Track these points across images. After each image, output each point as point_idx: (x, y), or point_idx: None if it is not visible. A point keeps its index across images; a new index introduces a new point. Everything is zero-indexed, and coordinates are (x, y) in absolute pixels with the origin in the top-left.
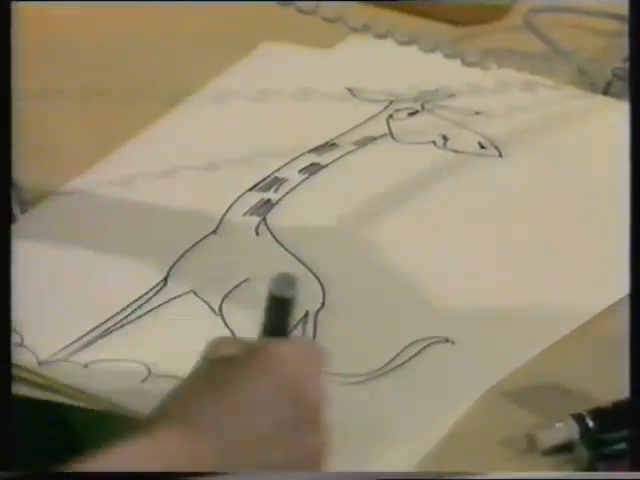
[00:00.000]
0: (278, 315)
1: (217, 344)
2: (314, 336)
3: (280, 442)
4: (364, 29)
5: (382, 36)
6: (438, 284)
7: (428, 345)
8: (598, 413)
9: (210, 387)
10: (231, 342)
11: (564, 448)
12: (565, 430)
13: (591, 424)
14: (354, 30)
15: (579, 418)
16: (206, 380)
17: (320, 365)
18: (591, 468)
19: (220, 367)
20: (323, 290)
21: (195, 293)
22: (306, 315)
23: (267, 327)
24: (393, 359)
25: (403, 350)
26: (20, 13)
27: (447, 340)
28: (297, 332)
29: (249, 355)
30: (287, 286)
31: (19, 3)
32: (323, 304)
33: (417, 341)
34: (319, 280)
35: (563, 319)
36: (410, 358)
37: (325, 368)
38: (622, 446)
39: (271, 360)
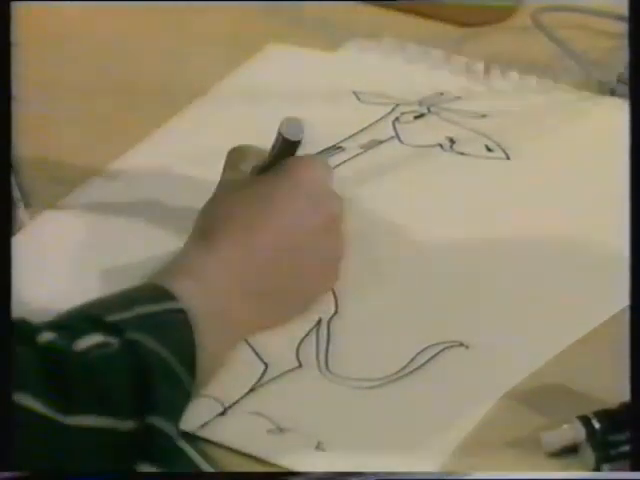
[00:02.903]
0: (284, 155)
1: (240, 153)
2: (328, 343)
3: (310, 247)
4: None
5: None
6: (451, 288)
7: (443, 349)
8: (604, 415)
9: (249, 201)
10: (253, 153)
11: (570, 449)
12: (571, 432)
13: (597, 426)
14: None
15: (585, 420)
16: (247, 196)
17: (332, 176)
18: (597, 469)
19: (257, 184)
20: (335, 297)
21: None
22: (319, 322)
23: (273, 163)
24: (408, 364)
25: (418, 355)
26: (20, 13)
27: (462, 344)
28: (311, 340)
29: (279, 172)
30: (297, 130)
31: (19, 3)
32: (336, 311)
33: (432, 346)
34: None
35: (576, 323)
36: (425, 363)
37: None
38: (628, 447)
39: (300, 177)
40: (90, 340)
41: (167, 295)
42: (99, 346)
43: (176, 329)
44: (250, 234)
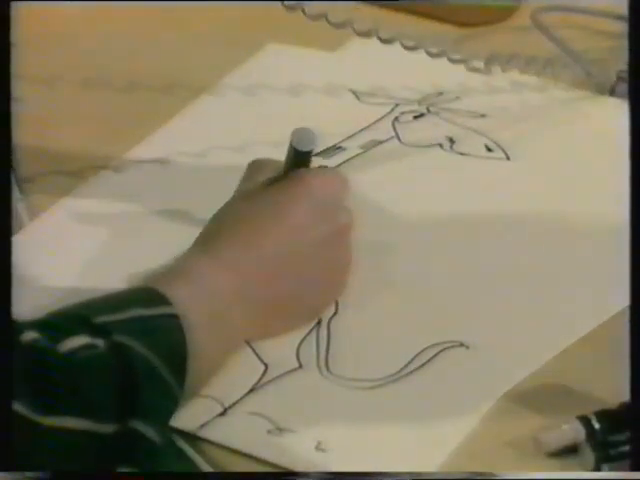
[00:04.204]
0: (297, 166)
1: (258, 165)
2: (328, 343)
3: (315, 257)
4: (370, 33)
5: (388, 41)
6: (451, 288)
7: (443, 350)
8: (604, 415)
9: (256, 209)
10: (270, 165)
11: (570, 450)
12: (571, 432)
13: (597, 426)
14: (360, 34)
15: (585, 420)
16: (255, 204)
17: (346, 190)
18: (597, 469)
19: (266, 193)
20: None
21: None
22: (319, 323)
23: (286, 174)
24: (408, 364)
25: (418, 355)
26: (20, 13)
27: (462, 344)
28: (311, 340)
29: (289, 181)
30: (308, 140)
31: (19, 3)
32: (336, 312)
33: (432, 346)
34: None
35: (576, 323)
36: (425, 363)
37: (349, 193)
38: (628, 448)
39: (309, 187)
40: (76, 341)
41: (161, 299)
42: (84, 348)
43: (167, 334)
44: (253, 239)
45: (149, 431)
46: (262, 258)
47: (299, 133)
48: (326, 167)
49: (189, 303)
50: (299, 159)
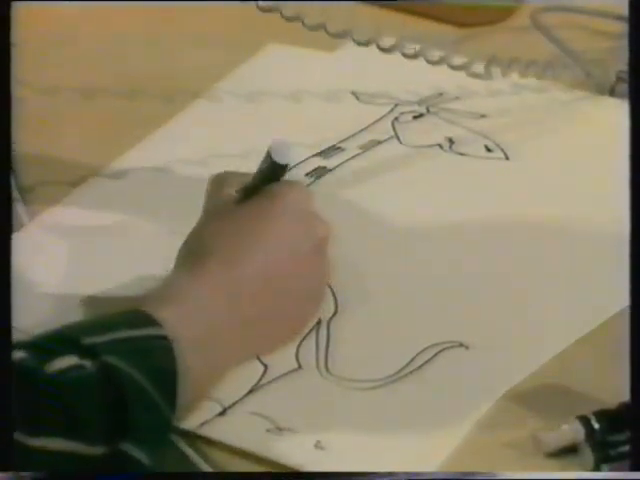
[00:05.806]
0: (271, 178)
1: (222, 180)
2: (327, 344)
3: (299, 273)
4: (369, 42)
5: (388, 50)
6: (451, 288)
7: (442, 350)
8: (603, 415)
9: (236, 226)
10: (235, 178)
11: (569, 450)
12: (570, 432)
13: (596, 426)
14: (360, 44)
15: (584, 420)
16: (232, 221)
17: (313, 202)
18: (596, 469)
19: (242, 209)
20: (335, 298)
21: None
22: (319, 323)
23: (258, 184)
24: (408, 364)
25: (417, 355)
26: (20, 13)
27: (461, 345)
28: (310, 341)
29: (265, 197)
30: (286, 153)
31: (19, 3)
32: (336, 312)
33: (431, 346)
34: (331, 288)
35: (576, 323)
36: (424, 363)
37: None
38: (627, 448)
39: (286, 201)
40: (64, 362)
41: (150, 321)
42: (72, 368)
43: (157, 355)
44: (235, 257)
45: (138, 453)
46: (245, 276)
47: (277, 145)
48: (292, 181)
49: (178, 324)
50: (275, 171)
